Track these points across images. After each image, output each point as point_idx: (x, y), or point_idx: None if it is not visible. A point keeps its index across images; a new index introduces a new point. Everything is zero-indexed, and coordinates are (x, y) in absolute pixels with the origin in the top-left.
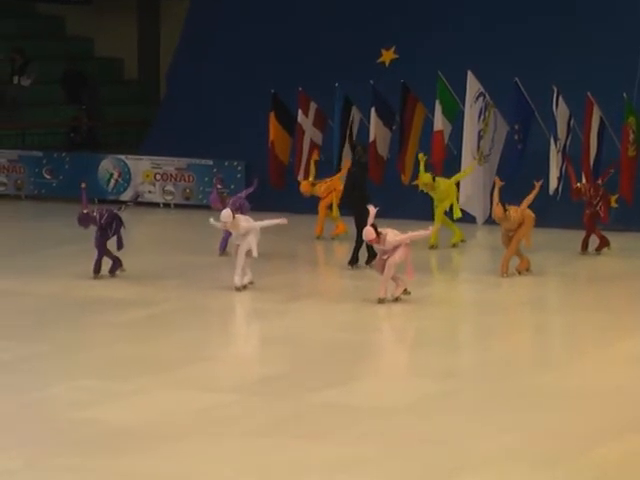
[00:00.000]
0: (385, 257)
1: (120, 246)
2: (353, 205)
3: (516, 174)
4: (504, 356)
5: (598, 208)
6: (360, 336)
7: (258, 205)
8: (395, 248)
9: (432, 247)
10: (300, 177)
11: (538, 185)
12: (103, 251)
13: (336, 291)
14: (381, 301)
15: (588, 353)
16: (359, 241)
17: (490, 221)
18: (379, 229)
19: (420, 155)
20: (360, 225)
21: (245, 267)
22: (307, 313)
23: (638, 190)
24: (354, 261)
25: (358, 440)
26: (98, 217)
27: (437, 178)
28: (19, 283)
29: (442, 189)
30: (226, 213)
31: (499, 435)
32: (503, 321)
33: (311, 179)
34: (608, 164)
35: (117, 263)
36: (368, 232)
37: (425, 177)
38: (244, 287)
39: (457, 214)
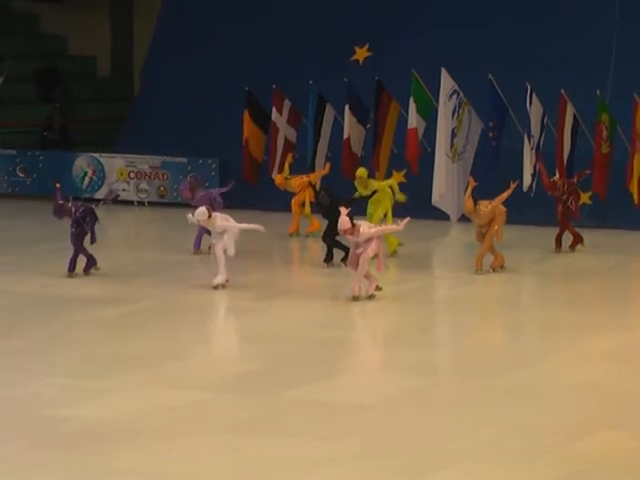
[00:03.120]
0: (358, 252)
1: (93, 240)
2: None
3: (491, 171)
4: (480, 353)
5: (569, 204)
6: (336, 333)
7: (232, 202)
8: (368, 241)
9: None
10: (274, 174)
11: (513, 185)
12: (80, 248)
13: (311, 289)
14: (355, 298)
15: (563, 349)
16: (333, 239)
17: (464, 219)
18: (354, 220)
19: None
20: (332, 227)
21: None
22: (283, 311)
23: (611, 187)
24: (329, 259)
25: (336, 437)
26: (73, 209)
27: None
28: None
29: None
30: (201, 211)
31: (477, 430)
32: (478, 318)
33: (285, 175)
34: (582, 161)
35: (92, 261)
36: (344, 222)
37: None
38: (222, 286)
39: None
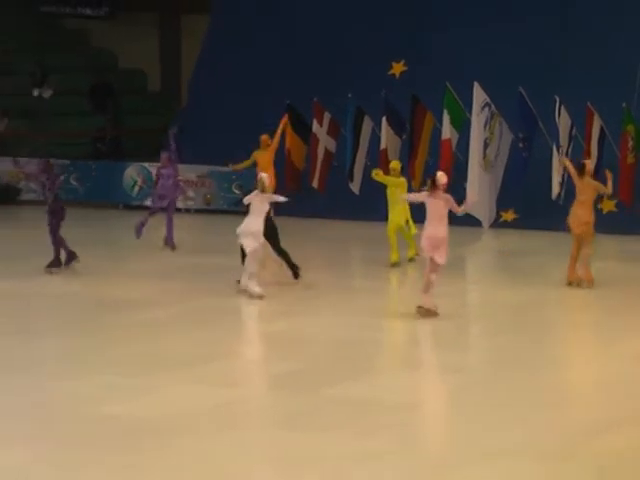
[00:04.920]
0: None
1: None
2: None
3: (521, 180)
4: (510, 353)
5: None
6: (372, 335)
7: (276, 209)
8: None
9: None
10: (314, 183)
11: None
12: (59, 240)
13: (342, 292)
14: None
15: (595, 350)
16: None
17: (496, 225)
18: None
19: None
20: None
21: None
22: (320, 313)
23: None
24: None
25: (372, 433)
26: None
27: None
28: (48, 283)
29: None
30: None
31: (507, 429)
32: (510, 320)
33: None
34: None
35: (72, 255)
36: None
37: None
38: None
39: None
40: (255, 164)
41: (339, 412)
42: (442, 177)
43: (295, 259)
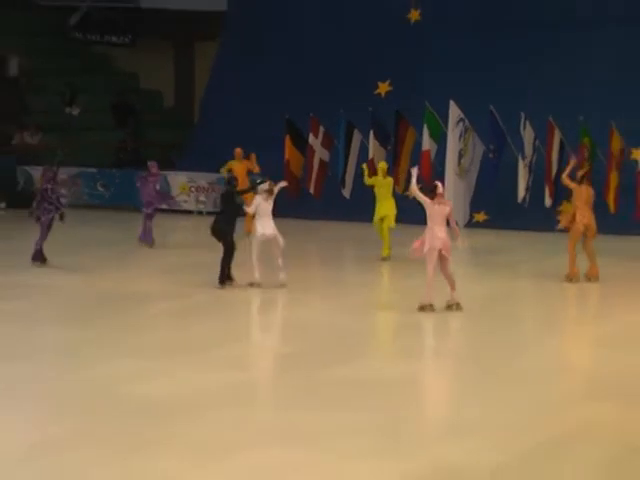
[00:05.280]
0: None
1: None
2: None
3: (492, 186)
4: (483, 340)
5: None
6: (362, 322)
7: (276, 212)
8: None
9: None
10: (311, 189)
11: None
12: (47, 233)
13: (338, 285)
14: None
15: (560, 336)
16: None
17: (469, 225)
18: None
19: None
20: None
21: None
22: (317, 303)
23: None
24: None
25: (363, 408)
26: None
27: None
28: (76, 279)
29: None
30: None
31: (478, 405)
32: (481, 309)
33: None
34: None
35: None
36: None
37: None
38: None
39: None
40: (230, 171)
41: (334, 391)
42: (440, 187)
43: (294, 256)
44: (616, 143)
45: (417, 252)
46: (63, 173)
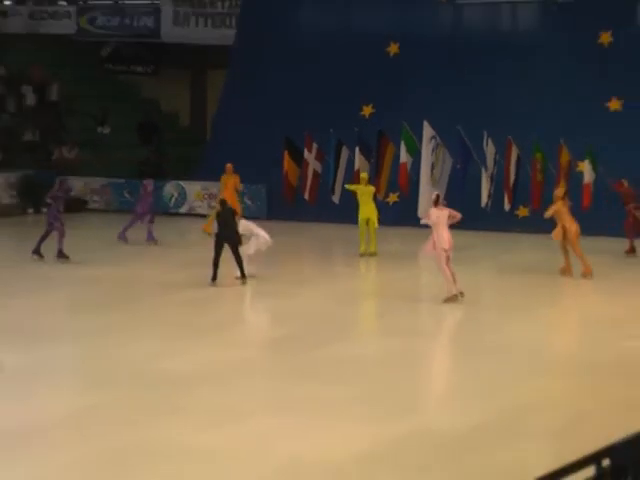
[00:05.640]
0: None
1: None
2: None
3: (460, 193)
4: (459, 321)
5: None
6: (348, 308)
7: (276, 215)
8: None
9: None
10: (306, 196)
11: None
12: (64, 234)
13: (328, 276)
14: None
15: (517, 320)
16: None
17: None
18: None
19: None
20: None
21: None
22: (307, 292)
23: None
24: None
25: (350, 382)
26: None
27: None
28: (107, 271)
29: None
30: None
31: (445, 378)
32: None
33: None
34: (523, 186)
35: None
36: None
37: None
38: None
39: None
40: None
41: (326, 366)
42: (438, 196)
43: (291, 252)
44: (564, 157)
45: (428, 252)
46: (96, 183)
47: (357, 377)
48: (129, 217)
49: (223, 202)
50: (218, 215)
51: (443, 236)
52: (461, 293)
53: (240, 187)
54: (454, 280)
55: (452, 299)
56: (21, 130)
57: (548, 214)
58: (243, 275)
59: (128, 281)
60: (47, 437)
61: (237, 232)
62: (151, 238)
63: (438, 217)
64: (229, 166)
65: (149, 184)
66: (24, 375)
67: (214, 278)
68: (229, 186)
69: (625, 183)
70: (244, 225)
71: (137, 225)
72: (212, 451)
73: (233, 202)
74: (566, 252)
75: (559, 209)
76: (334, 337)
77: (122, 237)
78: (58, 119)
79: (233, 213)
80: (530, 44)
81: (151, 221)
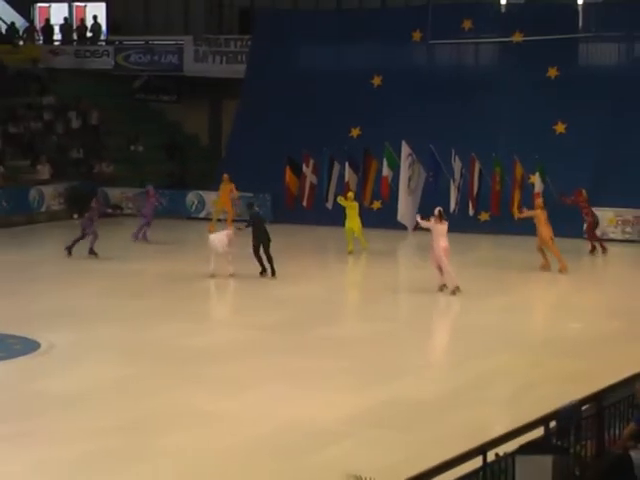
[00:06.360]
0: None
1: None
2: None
3: (431, 200)
4: (430, 308)
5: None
6: (339, 296)
7: (280, 219)
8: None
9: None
10: (304, 203)
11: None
12: (96, 236)
13: (322, 270)
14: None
15: (476, 305)
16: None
17: (416, 229)
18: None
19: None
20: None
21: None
22: (302, 282)
23: (503, 208)
24: (273, 273)
25: (341, 357)
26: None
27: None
28: (140, 265)
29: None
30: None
31: (420, 355)
32: (426, 287)
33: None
34: (485, 195)
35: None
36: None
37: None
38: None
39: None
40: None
41: (319, 345)
42: (440, 211)
43: (291, 250)
44: (518, 171)
45: (438, 258)
46: (130, 192)
47: (345, 353)
48: (140, 220)
49: (250, 205)
50: (248, 222)
51: (440, 245)
52: (445, 286)
53: (235, 194)
54: (444, 275)
55: (456, 291)
56: (68, 148)
57: (522, 215)
58: (273, 271)
59: (158, 274)
60: (96, 399)
61: (267, 233)
62: (138, 236)
63: (438, 229)
64: (225, 176)
65: (151, 190)
66: (76, 350)
67: (263, 271)
68: (225, 192)
69: (584, 192)
70: (219, 240)
71: (148, 226)
72: (221, 415)
73: (228, 206)
74: (542, 251)
75: (538, 215)
76: (324, 320)
77: (136, 237)
78: (98, 139)
79: (262, 219)
80: (491, 77)
81: (148, 224)
